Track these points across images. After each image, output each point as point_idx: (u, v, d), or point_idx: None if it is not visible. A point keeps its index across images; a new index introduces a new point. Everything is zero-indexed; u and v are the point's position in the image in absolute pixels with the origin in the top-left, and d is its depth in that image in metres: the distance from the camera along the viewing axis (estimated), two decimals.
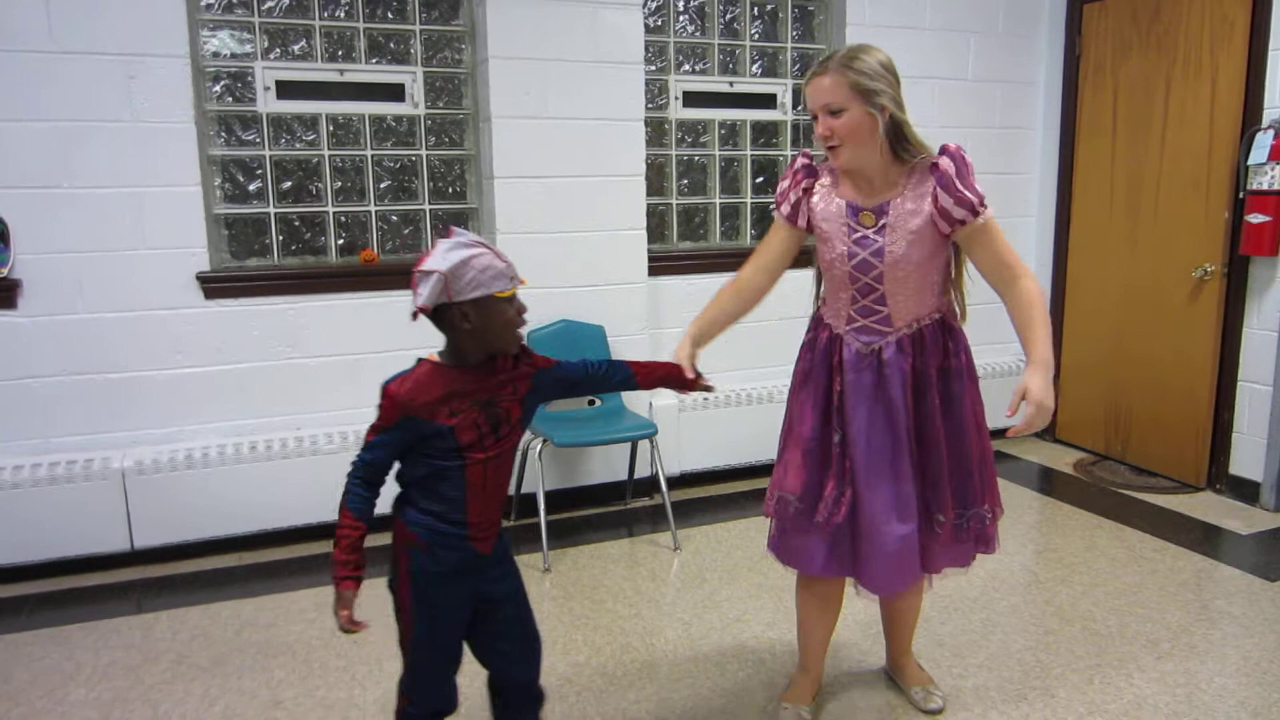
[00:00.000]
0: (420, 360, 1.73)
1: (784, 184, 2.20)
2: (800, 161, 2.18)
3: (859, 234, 2.04)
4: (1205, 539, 3.51)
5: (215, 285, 3.31)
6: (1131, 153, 4.17)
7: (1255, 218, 3.61)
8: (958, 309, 2.16)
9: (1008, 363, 4.66)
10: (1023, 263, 2.05)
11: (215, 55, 3.34)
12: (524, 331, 1.77)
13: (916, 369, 2.09)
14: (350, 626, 1.73)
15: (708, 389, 2.09)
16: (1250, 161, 3.61)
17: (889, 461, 2.09)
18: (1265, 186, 3.57)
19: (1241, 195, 3.68)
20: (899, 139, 1.98)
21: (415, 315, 1.66)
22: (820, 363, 2.15)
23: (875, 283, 2.05)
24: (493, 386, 1.73)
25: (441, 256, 1.63)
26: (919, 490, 2.11)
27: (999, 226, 2.02)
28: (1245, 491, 3.84)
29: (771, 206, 2.21)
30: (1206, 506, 3.83)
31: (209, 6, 3.31)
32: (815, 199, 2.13)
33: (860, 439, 2.09)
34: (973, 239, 2.01)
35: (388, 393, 1.69)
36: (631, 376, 2.00)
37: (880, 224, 2.02)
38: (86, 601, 3.04)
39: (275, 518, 3.39)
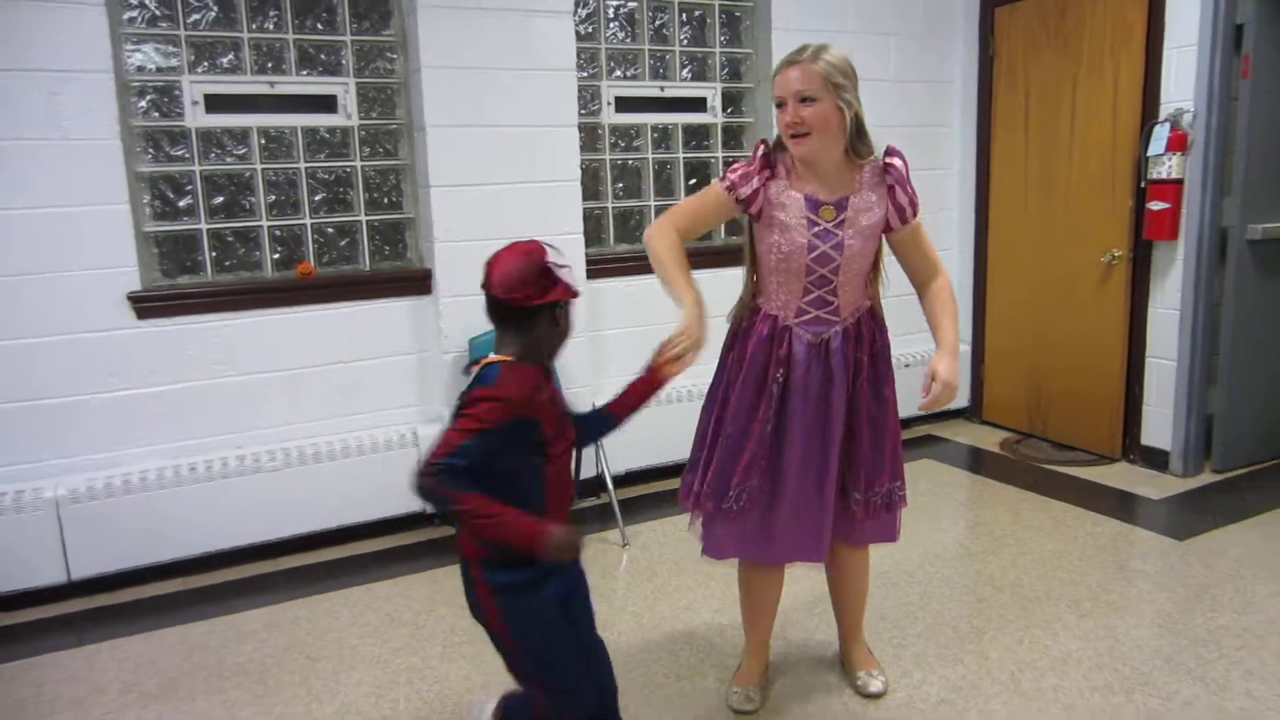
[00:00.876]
0: (495, 362, 1.72)
1: (747, 166, 2.16)
2: (763, 149, 2.17)
3: (819, 227, 2.10)
4: (1121, 506, 3.73)
5: (147, 305, 3.24)
6: (1043, 147, 4.38)
7: (1156, 205, 3.83)
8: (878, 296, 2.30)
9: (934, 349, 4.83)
10: (940, 261, 2.26)
11: (140, 70, 3.28)
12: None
13: (855, 357, 2.20)
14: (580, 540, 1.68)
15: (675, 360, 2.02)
16: (1150, 153, 3.83)
17: (822, 447, 2.19)
18: (1164, 176, 3.79)
19: (1143, 185, 3.90)
20: (859, 137, 2.09)
21: (526, 308, 1.68)
22: (758, 353, 2.19)
23: (832, 274, 2.13)
24: (554, 386, 1.80)
25: (561, 255, 1.73)
26: (840, 471, 2.23)
27: (924, 231, 2.22)
28: (1156, 460, 4.07)
29: (721, 181, 2.17)
30: (1121, 476, 4.06)
31: (132, 20, 3.24)
32: (772, 190, 2.14)
33: (798, 428, 2.17)
34: (909, 238, 2.17)
35: (501, 394, 1.64)
36: (611, 417, 2.01)
37: (840, 219, 2.11)
38: (24, 638, 2.95)
39: (219, 539, 3.34)
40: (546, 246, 1.73)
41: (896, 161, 2.12)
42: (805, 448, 2.19)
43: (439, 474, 1.59)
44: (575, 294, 1.76)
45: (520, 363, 1.72)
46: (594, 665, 1.91)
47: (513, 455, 1.68)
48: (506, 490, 1.64)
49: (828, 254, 2.11)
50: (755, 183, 2.14)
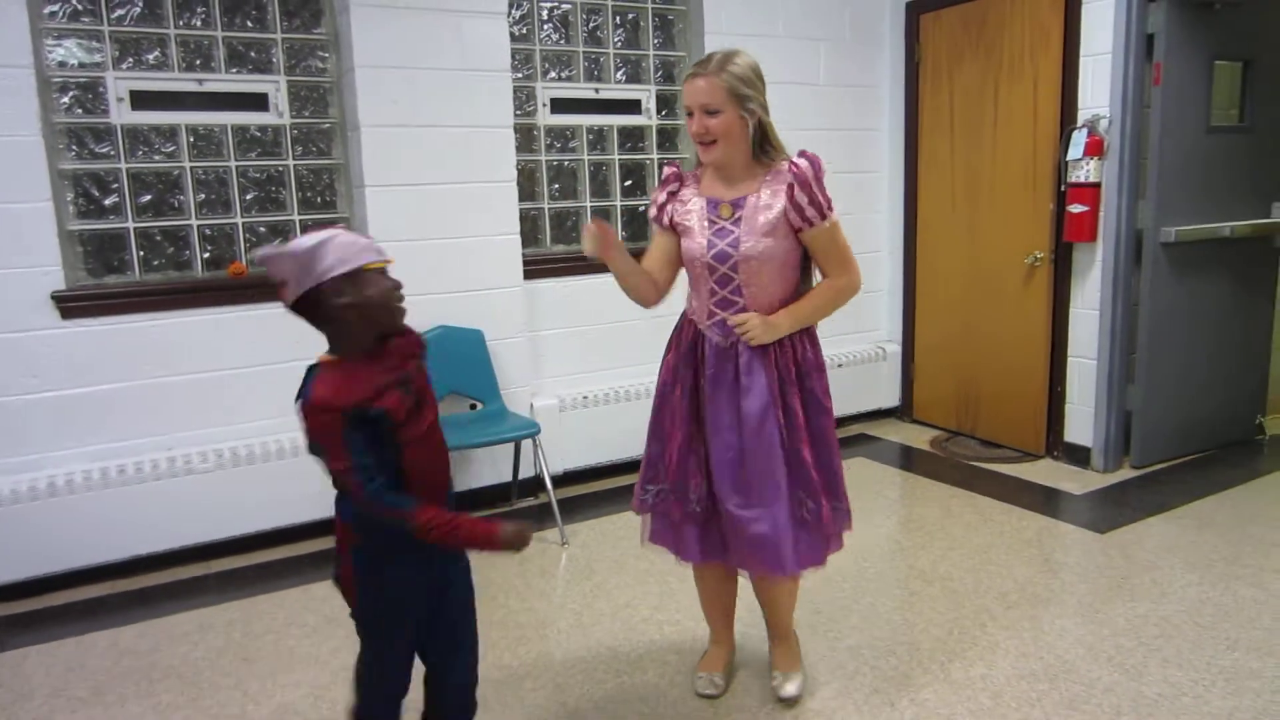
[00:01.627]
0: (316, 366, 1.66)
1: (656, 193, 2.32)
2: (668, 170, 2.32)
3: (717, 226, 2.17)
4: (1046, 501, 3.85)
5: (72, 304, 3.17)
6: (968, 150, 4.51)
7: (1075, 208, 3.97)
8: None
9: (866, 350, 4.95)
10: (854, 263, 2.23)
11: (62, 65, 3.21)
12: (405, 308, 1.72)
13: (775, 360, 2.19)
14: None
15: None
16: (1069, 157, 3.97)
17: (740, 452, 2.19)
18: (1082, 179, 3.93)
19: (1063, 188, 4.04)
20: (764, 141, 2.14)
21: (293, 307, 1.63)
22: (686, 357, 2.26)
23: (731, 272, 2.16)
24: (398, 365, 1.69)
25: (297, 244, 1.60)
26: (787, 481, 2.21)
27: (841, 230, 2.20)
28: (1078, 456, 4.21)
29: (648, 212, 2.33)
30: (1046, 472, 4.19)
31: (53, 15, 3.17)
32: (678, 203, 2.26)
33: (720, 431, 2.20)
34: (818, 239, 2.16)
35: (317, 404, 1.59)
36: None
37: (736, 216, 2.15)
38: None
39: (150, 542, 3.28)
40: (297, 240, 1.63)
41: (801, 162, 2.13)
42: (718, 453, 2.21)
43: (371, 495, 1.61)
44: (327, 280, 1.59)
45: (341, 360, 1.65)
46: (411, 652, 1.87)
47: (372, 451, 1.63)
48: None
49: (725, 251, 2.15)
50: (662, 198, 2.29)
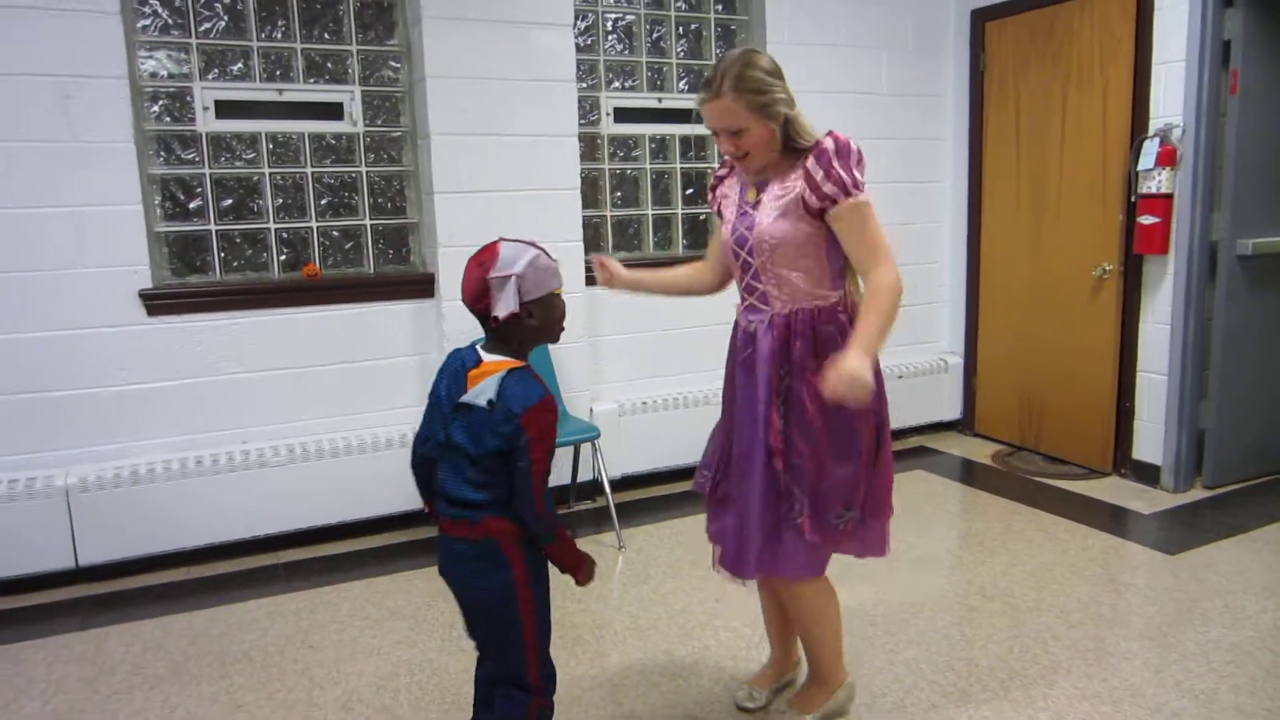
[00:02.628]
0: (513, 371, 1.74)
1: (711, 178, 2.31)
2: (722, 158, 2.25)
3: (743, 211, 2.12)
4: (1112, 520, 3.75)
5: (157, 302, 3.33)
6: (1034, 160, 4.45)
7: (1146, 219, 3.88)
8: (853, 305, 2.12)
9: (927, 362, 4.90)
10: (888, 254, 2.00)
11: (153, 76, 3.38)
12: None
13: (785, 352, 2.07)
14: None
15: None
16: (1140, 167, 3.89)
17: (749, 445, 2.11)
18: (1154, 190, 3.85)
19: (1133, 199, 3.96)
20: (796, 131, 2.02)
21: (495, 322, 1.73)
22: (729, 347, 2.25)
23: (750, 256, 2.10)
24: None
25: (511, 261, 1.72)
26: (778, 482, 2.09)
27: (873, 217, 2.00)
28: (1147, 475, 4.10)
29: None
30: (1113, 490, 4.08)
31: (146, 28, 3.34)
32: (724, 187, 2.23)
33: (738, 418, 2.16)
34: (840, 220, 1.99)
35: (550, 403, 1.73)
36: None
37: (759, 199, 2.09)
38: (33, 620, 3.03)
39: (223, 531, 3.42)
40: (506, 246, 1.75)
41: (825, 141, 1.97)
42: (741, 446, 2.15)
43: (548, 497, 1.76)
44: (526, 302, 1.73)
45: (522, 363, 1.78)
46: None
47: None
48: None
49: (743, 235, 2.10)
50: (712, 184, 2.28)
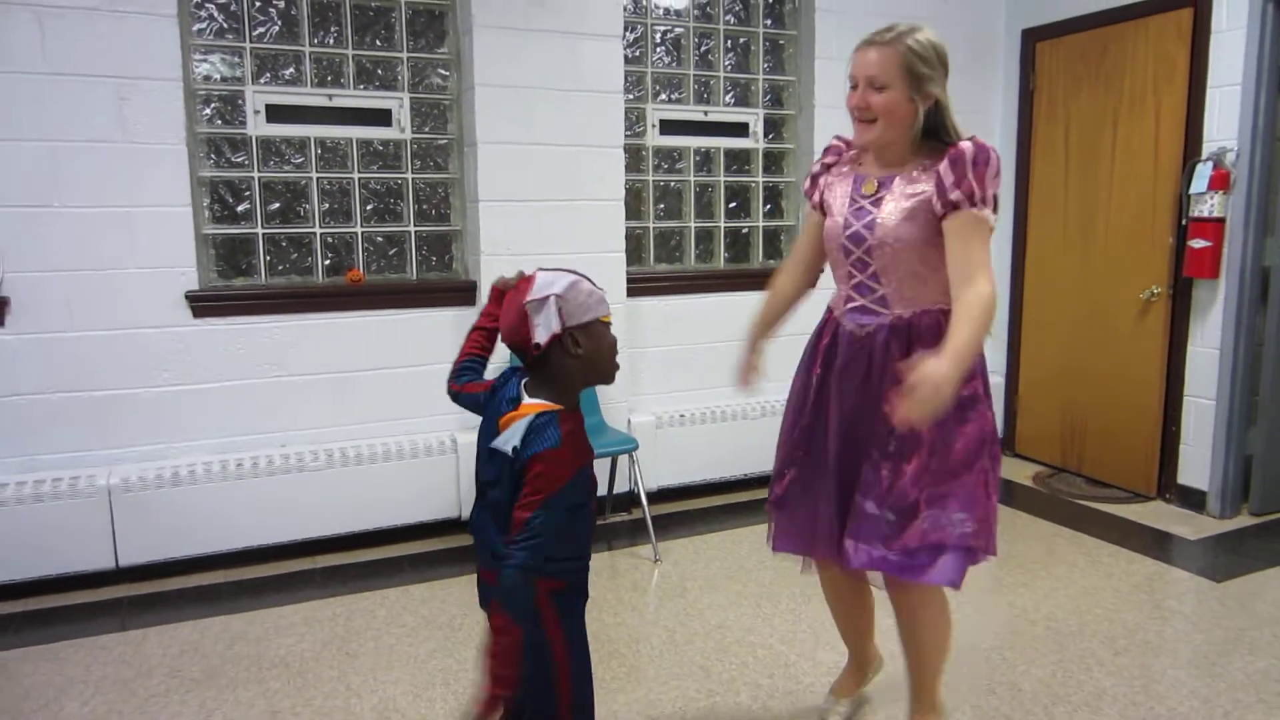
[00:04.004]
0: (542, 415, 1.59)
1: (813, 165, 2.18)
2: (831, 142, 2.16)
3: (857, 205, 1.99)
4: (1157, 545, 3.69)
5: (203, 304, 3.35)
6: (1082, 181, 4.40)
7: (1197, 243, 3.83)
8: None
9: None
10: (988, 273, 1.87)
11: (206, 79, 3.41)
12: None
13: (907, 355, 1.94)
14: None
15: None
16: (1192, 191, 3.84)
17: (855, 445, 2.04)
18: (1206, 214, 3.79)
19: (1184, 222, 3.91)
20: (940, 127, 1.91)
21: (537, 349, 1.58)
22: (810, 347, 2.15)
23: (867, 256, 1.98)
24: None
25: (549, 284, 1.58)
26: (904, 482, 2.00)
27: (987, 235, 1.89)
28: (1193, 500, 4.04)
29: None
30: (1157, 514, 4.02)
31: (200, 31, 3.38)
32: (830, 177, 2.10)
33: (833, 423, 2.06)
34: (953, 227, 1.87)
35: (564, 455, 1.55)
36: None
37: (879, 195, 1.95)
38: (73, 619, 3.05)
39: (261, 534, 3.42)
40: (543, 273, 1.63)
41: (964, 145, 1.85)
42: (840, 446, 2.06)
43: (533, 558, 1.52)
44: (569, 327, 1.59)
45: (567, 408, 1.62)
46: None
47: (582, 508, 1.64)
48: (568, 536, 1.62)
49: (860, 232, 1.97)
50: (816, 169, 2.15)
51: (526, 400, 1.63)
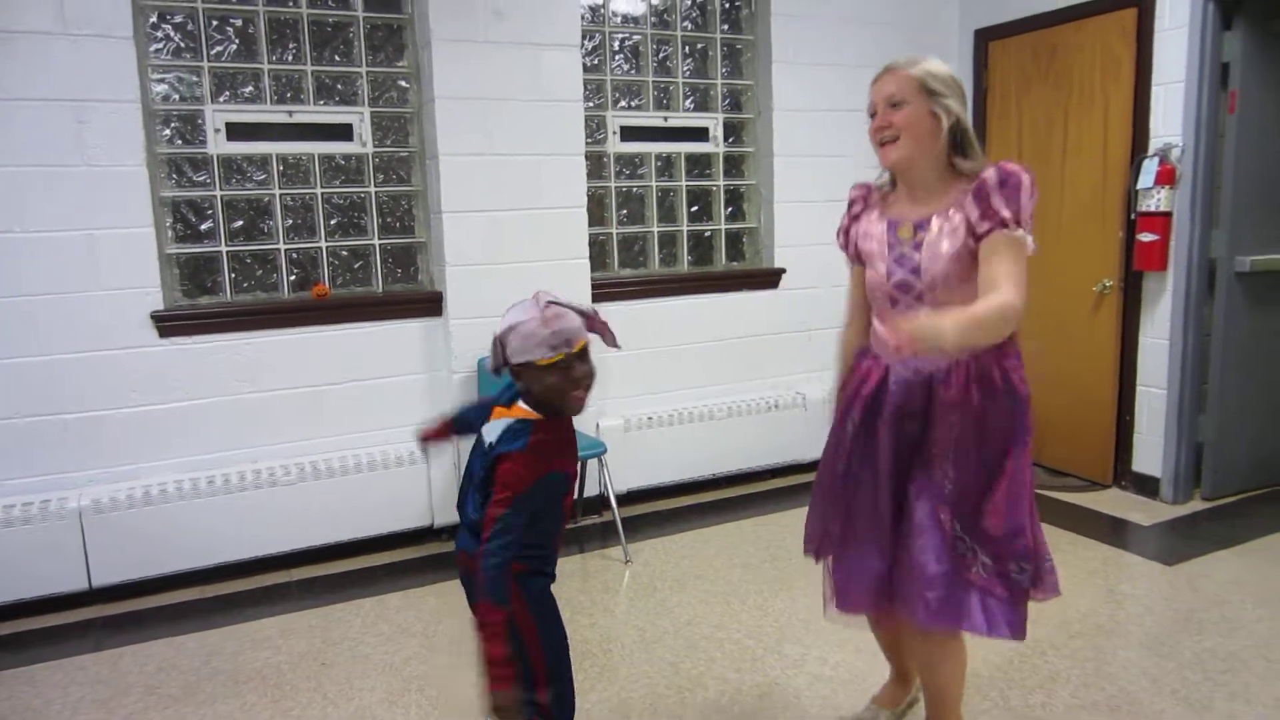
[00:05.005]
0: (522, 421, 1.79)
1: (842, 218, 2.17)
2: (853, 191, 2.14)
3: (898, 251, 1.96)
4: (1112, 531, 3.80)
5: (169, 324, 3.37)
6: (1035, 178, 4.48)
7: (1146, 236, 3.94)
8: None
9: None
10: (1019, 290, 1.81)
11: (165, 99, 3.42)
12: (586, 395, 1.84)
13: (966, 399, 1.94)
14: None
15: None
16: (1139, 186, 3.94)
17: (901, 492, 2.02)
18: (1153, 208, 3.90)
19: (1133, 216, 4.01)
20: (961, 150, 1.91)
21: (497, 371, 1.81)
22: (850, 394, 2.10)
23: (918, 302, 1.94)
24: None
25: (504, 318, 1.80)
26: (948, 533, 1.97)
27: (1023, 254, 1.86)
28: (1147, 487, 4.15)
29: None
30: (1113, 502, 4.13)
31: (158, 51, 3.39)
32: (860, 223, 2.09)
33: (882, 468, 2.02)
34: (984, 252, 1.85)
35: (530, 457, 1.75)
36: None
37: (919, 239, 1.93)
38: (48, 641, 3.06)
39: (236, 550, 3.45)
40: (516, 306, 1.82)
41: (988, 173, 1.85)
42: (888, 491, 2.03)
43: (502, 555, 1.71)
44: (510, 363, 1.78)
45: (543, 419, 1.80)
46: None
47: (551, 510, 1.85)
48: (538, 526, 1.80)
49: (907, 279, 1.95)
50: (844, 222, 2.15)
51: (518, 404, 1.83)
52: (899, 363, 2.00)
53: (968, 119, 1.93)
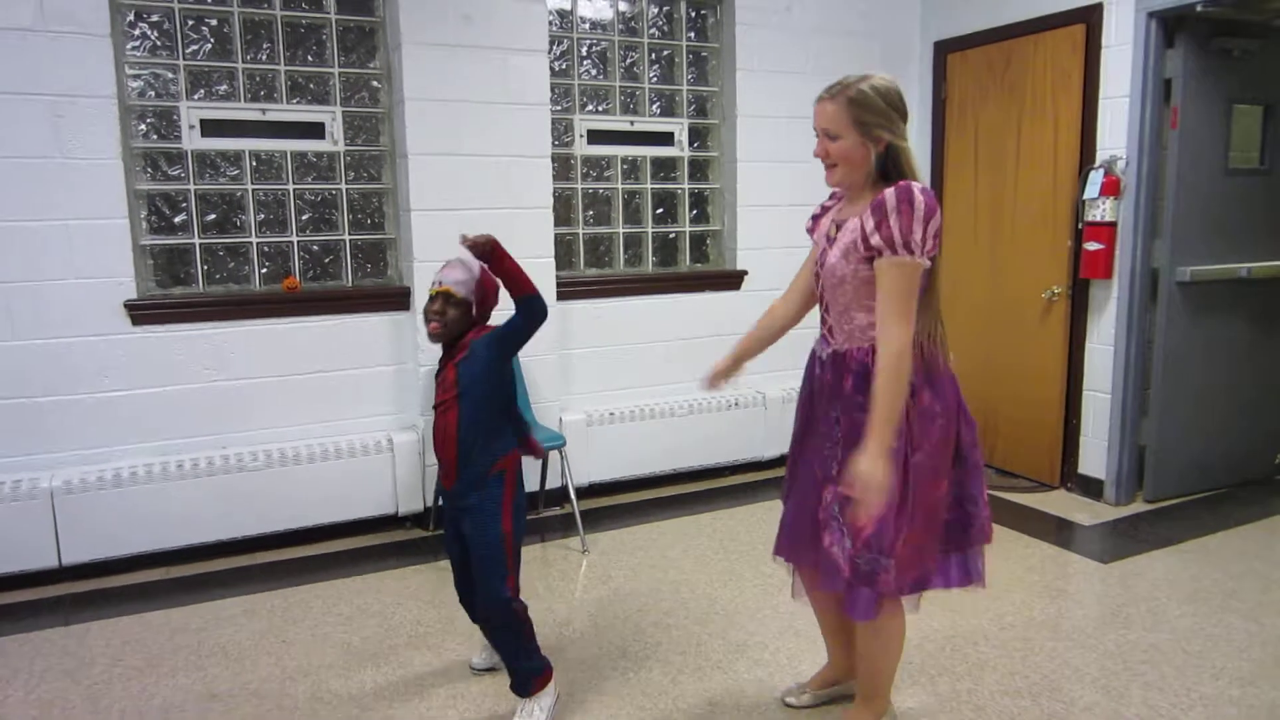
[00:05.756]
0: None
1: (816, 207, 2.37)
2: (836, 190, 2.32)
3: (824, 244, 2.20)
4: (1055, 531, 3.93)
5: (142, 312, 3.47)
6: (990, 186, 4.63)
7: (1092, 245, 4.07)
8: (932, 346, 2.13)
9: None
10: (903, 320, 1.98)
11: (141, 95, 3.53)
12: (441, 328, 2.42)
13: (839, 387, 2.16)
14: None
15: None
16: (1086, 196, 4.08)
17: (801, 459, 2.28)
18: (1099, 218, 4.04)
19: (1081, 225, 4.15)
20: (895, 166, 2.04)
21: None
22: (807, 371, 2.35)
23: (822, 291, 2.20)
24: (448, 359, 2.45)
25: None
26: (824, 507, 2.19)
27: (908, 280, 1.98)
28: (1092, 489, 4.29)
29: None
30: (1059, 502, 4.27)
31: (134, 49, 3.49)
32: (824, 219, 2.28)
33: (809, 437, 2.27)
34: (878, 273, 2.01)
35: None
36: (516, 325, 2.43)
37: (839, 235, 2.14)
38: (17, 616, 3.17)
39: (203, 532, 3.55)
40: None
41: (888, 192, 1.97)
42: (794, 451, 2.34)
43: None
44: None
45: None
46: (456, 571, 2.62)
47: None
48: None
49: (818, 272, 2.21)
50: (817, 212, 2.35)
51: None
52: (819, 338, 2.28)
53: (903, 139, 2.06)
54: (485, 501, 2.39)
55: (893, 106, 2.04)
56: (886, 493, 1.96)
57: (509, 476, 2.43)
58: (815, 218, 2.34)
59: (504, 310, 2.44)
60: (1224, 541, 3.75)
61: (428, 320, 2.44)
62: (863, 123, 2.02)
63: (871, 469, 1.94)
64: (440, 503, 2.71)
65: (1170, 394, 4.14)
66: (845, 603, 2.18)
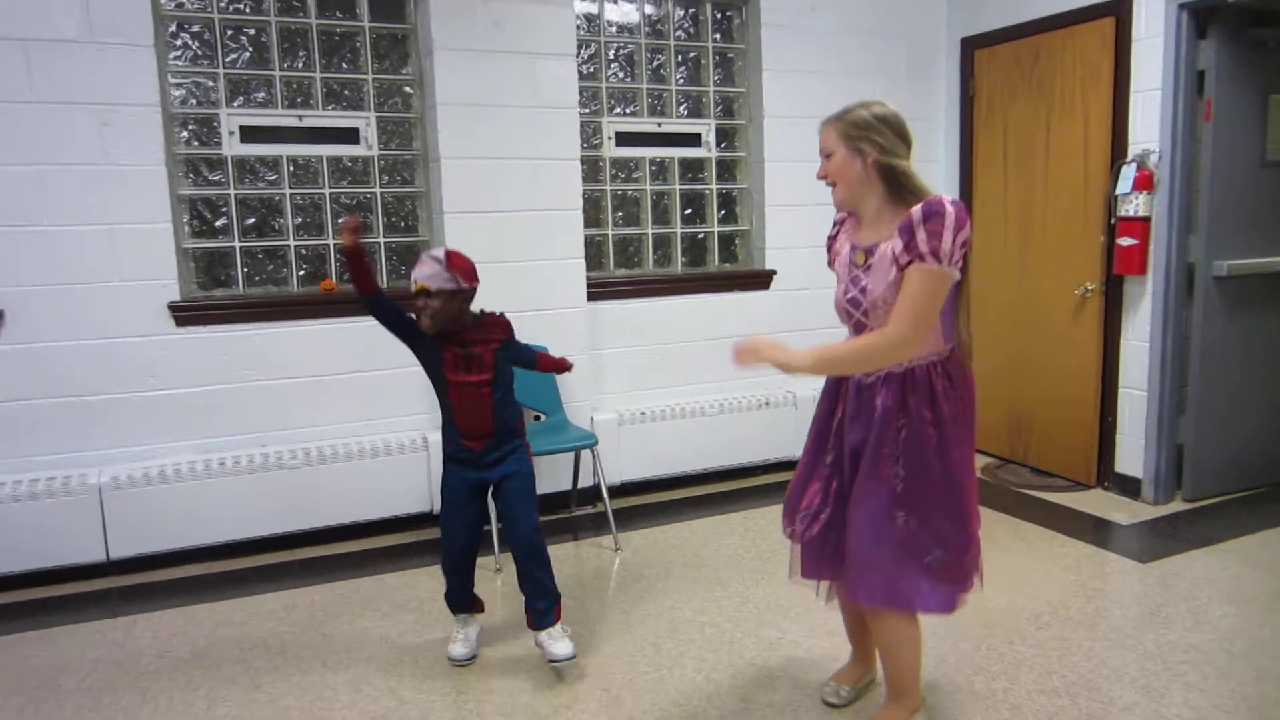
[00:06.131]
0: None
1: (832, 229, 2.39)
2: (838, 215, 2.36)
3: (853, 273, 2.18)
4: (1092, 530, 3.88)
5: (185, 314, 3.56)
6: (1020, 183, 4.61)
7: (1125, 241, 4.03)
8: (962, 348, 2.19)
9: None
10: (918, 326, 2.05)
11: (183, 103, 3.63)
12: (429, 320, 2.61)
13: (902, 407, 2.16)
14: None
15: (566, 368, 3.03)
16: (1118, 191, 4.04)
17: (867, 488, 2.21)
18: (1132, 213, 4.00)
19: (1113, 221, 4.11)
20: (897, 186, 2.10)
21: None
22: (828, 388, 2.34)
23: (864, 318, 2.17)
24: (468, 341, 2.66)
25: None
26: (897, 525, 2.20)
27: (933, 289, 2.04)
28: (1129, 488, 4.23)
29: None
30: (1096, 502, 4.21)
31: (177, 59, 3.59)
32: (838, 241, 2.32)
33: (850, 461, 2.25)
34: (905, 278, 2.06)
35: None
36: (533, 359, 2.87)
37: (869, 263, 2.14)
38: (68, 608, 3.26)
39: (244, 528, 3.64)
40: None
41: (915, 209, 2.03)
42: (857, 492, 2.25)
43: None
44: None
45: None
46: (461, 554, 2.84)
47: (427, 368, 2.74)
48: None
49: (857, 298, 2.17)
50: (831, 234, 2.37)
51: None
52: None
53: (901, 159, 2.11)
54: (519, 449, 2.77)
55: (887, 125, 2.10)
56: (765, 359, 2.08)
57: (520, 426, 2.83)
58: (830, 248, 2.36)
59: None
60: (1265, 541, 3.68)
61: (417, 317, 2.62)
62: (849, 136, 2.11)
63: (776, 351, 2.09)
64: (442, 492, 2.81)
65: (1208, 391, 4.08)
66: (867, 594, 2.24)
